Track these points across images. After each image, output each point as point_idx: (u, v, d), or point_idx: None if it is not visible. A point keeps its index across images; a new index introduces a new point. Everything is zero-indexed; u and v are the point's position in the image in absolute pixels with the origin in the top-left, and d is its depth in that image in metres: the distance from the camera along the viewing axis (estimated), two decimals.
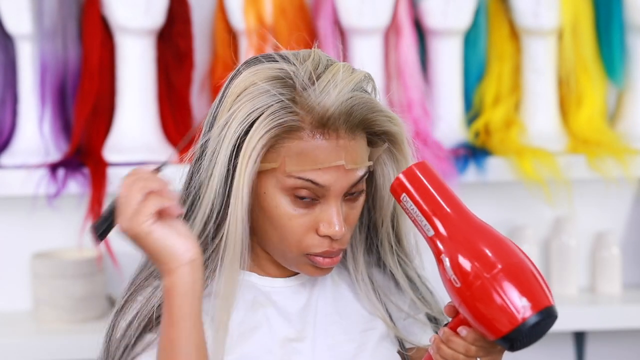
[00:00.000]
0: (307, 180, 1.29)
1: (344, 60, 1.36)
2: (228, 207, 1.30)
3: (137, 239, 1.23)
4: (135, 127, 2.17)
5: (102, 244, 2.13)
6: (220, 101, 1.34)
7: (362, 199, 1.36)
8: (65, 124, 2.18)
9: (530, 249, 2.30)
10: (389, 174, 1.38)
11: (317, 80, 1.28)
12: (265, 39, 2.18)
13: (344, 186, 1.31)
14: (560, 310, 2.21)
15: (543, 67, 2.31)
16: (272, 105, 1.28)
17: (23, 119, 2.19)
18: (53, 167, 2.10)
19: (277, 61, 1.32)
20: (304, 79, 1.29)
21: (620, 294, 2.35)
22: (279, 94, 1.28)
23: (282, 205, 1.31)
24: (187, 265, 1.23)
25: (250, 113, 1.28)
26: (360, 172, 1.32)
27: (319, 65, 1.31)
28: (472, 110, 2.32)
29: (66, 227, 2.25)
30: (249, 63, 1.35)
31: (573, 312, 2.26)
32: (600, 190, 2.37)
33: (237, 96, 1.31)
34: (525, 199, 2.35)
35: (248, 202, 1.30)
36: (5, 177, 2.11)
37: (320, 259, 1.33)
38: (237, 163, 1.29)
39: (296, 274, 1.41)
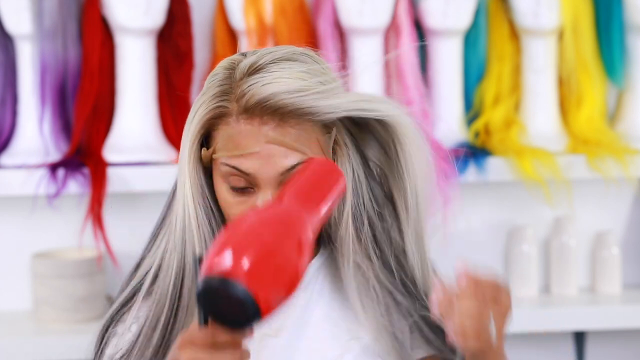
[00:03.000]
0: (232, 167, 1.28)
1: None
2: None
3: None
4: (135, 127, 2.17)
5: (102, 244, 2.14)
6: None
7: None
8: (65, 124, 2.18)
9: (530, 249, 2.30)
10: (341, 163, 1.34)
11: (256, 71, 1.28)
12: (265, 39, 2.18)
13: (271, 174, 1.27)
14: (560, 310, 2.25)
15: (543, 67, 2.30)
16: (212, 94, 1.30)
17: (23, 119, 2.19)
18: (53, 167, 2.10)
19: (238, 55, 1.33)
20: (244, 69, 1.29)
21: (620, 294, 2.35)
22: (220, 84, 1.30)
23: (222, 192, 1.31)
24: None
25: (198, 103, 1.32)
26: (291, 160, 1.27)
27: (267, 57, 1.29)
28: (472, 110, 2.32)
29: (66, 227, 2.24)
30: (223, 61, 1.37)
31: (573, 312, 2.26)
32: (600, 190, 2.37)
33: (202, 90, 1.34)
34: (525, 199, 2.35)
35: (193, 186, 1.31)
36: (5, 177, 2.11)
37: None
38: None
39: None
